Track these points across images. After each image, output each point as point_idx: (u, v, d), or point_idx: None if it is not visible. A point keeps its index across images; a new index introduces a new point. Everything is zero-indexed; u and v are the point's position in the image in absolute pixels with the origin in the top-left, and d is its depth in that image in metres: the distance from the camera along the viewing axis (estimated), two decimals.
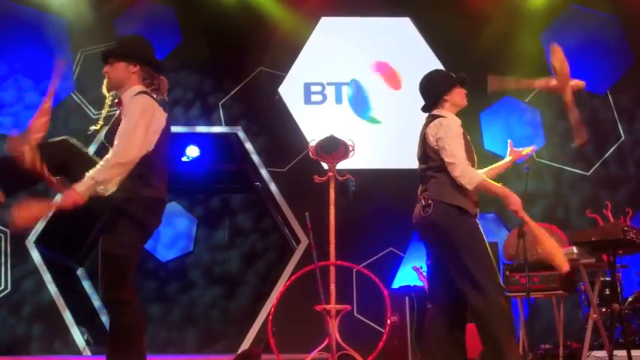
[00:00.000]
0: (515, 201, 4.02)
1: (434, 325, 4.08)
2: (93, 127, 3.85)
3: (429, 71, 4.42)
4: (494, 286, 3.92)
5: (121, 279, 3.56)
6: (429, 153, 4.12)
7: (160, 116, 3.67)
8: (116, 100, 3.83)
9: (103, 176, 3.42)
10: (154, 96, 3.78)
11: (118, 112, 3.80)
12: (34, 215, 3.49)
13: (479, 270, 3.91)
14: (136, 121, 3.54)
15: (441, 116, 4.17)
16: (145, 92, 3.73)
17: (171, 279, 9.52)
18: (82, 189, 3.42)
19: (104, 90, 3.84)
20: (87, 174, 3.46)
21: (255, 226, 9.70)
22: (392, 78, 8.83)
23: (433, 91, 4.29)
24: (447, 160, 4.00)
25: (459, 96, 4.28)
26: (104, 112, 3.94)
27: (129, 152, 3.47)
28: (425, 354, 4.24)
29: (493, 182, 4.10)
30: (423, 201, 4.08)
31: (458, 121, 4.18)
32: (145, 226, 3.60)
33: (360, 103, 8.79)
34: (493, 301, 3.87)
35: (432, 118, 4.21)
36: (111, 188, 3.45)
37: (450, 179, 4.02)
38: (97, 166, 3.47)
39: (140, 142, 3.51)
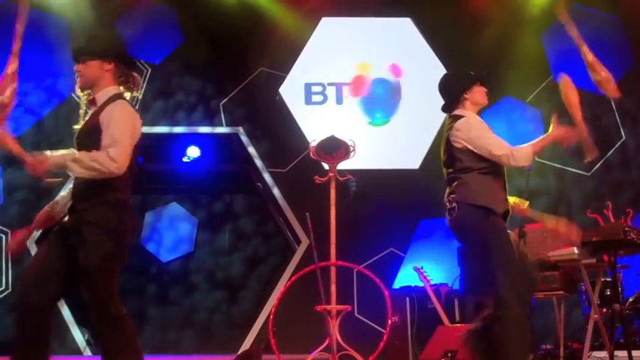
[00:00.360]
0: (559, 134, 4.32)
1: (475, 317, 4.13)
2: (76, 126, 3.80)
3: (448, 71, 4.44)
4: (515, 293, 3.90)
5: (108, 294, 3.47)
6: (455, 154, 4.11)
7: (139, 124, 3.62)
8: (90, 99, 3.72)
9: (79, 171, 3.36)
10: (127, 97, 3.71)
11: (91, 112, 3.70)
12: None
13: (502, 275, 3.90)
14: (120, 134, 3.46)
15: (463, 116, 4.16)
16: (122, 96, 3.65)
17: (172, 280, 9.52)
18: (53, 162, 3.37)
19: (77, 90, 3.75)
20: (71, 153, 3.42)
21: (256, 226, 9.68)
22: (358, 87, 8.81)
23: (452, 90, 4.28)
24: (496, 153, 4.03)
25: (479, 94, 4.27)
26: (82, 112, 3.89)
27: (115, 165, 3.39)
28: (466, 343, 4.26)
29: (536, 140, 4.23)
30: (448, 204, 4.09)
31: (480, 119, 4.19)
32: (116, 233, 3.48)
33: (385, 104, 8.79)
34: (511, 307, 3.86)
35: (453, 119, 4.19)
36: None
37: (473, 179, 4.03)
38: (82, 157, 3.38)
39: (126, 156, 3.45)
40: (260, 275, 9.48)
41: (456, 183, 4.08)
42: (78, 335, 7.93)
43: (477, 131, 4.06)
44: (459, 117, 4.17)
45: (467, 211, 4.00)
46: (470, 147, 4.06)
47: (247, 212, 9.74)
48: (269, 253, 9.52)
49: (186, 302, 9.47)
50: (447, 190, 4.16)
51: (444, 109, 4.35)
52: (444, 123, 4.36)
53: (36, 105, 8.70)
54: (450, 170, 4.16)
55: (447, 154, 4.19)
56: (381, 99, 8.82)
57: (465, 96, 4.24)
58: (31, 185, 8.41)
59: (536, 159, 8.56)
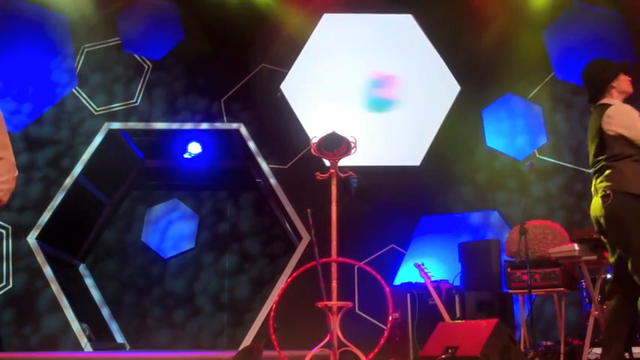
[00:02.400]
0: None
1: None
2: None
3: (591, 60, 4.46)
4: None
5: None
6: (607, 142, 4.15)
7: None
8: None
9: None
10: None
11: None
12: None
13: None
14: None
15: (611, 104, 4.20)
16: None
17: (174, 275, 9.53)
18: None
19: None
20: None
21: (256, 224, 9.69)
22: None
23: (599, 79, 4.32)
24: None
25: (625, 83, 4.34)
26: None
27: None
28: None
29: None
30: (601, 192, 4.12)
31: (630, 107, 4.23)
32: None
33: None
34: None
35: (601, 108, 4.24)
36: None
37: (627, 166, 4.06)
38: None
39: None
40: (259, 268, 9.50)
41: (608, 172, 4.13)
42: (80, 332, 7.94)
43: (630, 119, 4.11)
44: (608, 105, 4.21)
45: (621, 198, 4.04)
46: (624, 134, 4.10)
47: (247, 206, 9.75)
48: (268, 245, 9.54)
49: (185, 295, 9.49)
50: (598, 179, 4.19)
51: (591, 99, 4.39)
52: (593, 115, 4.35)
53: (38, 101, 8.72)
54: (601, 158, 4.19)
55: (596, 142, 4.23)
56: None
57: (612, 84, 4.29)
58: (31, 182, 8.45)
59: (538, 155, 8.57)
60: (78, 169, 8.45)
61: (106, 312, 9.21)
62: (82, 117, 8.69)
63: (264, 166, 8.56)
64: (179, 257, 9.61)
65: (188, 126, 8.84)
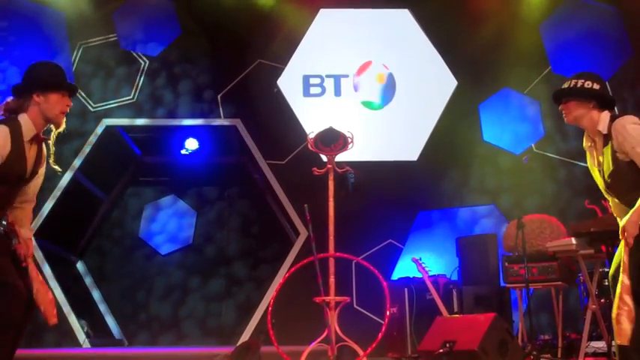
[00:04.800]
0: None
1: None
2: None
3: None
4: None
5: None
6: None
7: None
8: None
9: None
10: None
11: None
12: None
13: None
14: None
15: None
16: None
17: (172, 271, 9.53)
18: None
19: None
20: None
21: (253, 220, 9.69)
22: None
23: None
24: None
25: None
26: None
27: None
28: None
29: None
30: None
31: None
32: None
33: None
34: None
35: None
36: None
37: None
38: None
39: None
40: (257, 265, 9.50)
41: None
42: (78, 329, 7.94)
43: None
44: None
45: None
46: None
47: (244, 202, 9.75)
48: (265, 242, 9.54)
49: (183, 291, 9.49)
50: None
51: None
52: None
53: None
54: None
55: None
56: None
57: None
58: None
59: (535, 150, 8.58)
60: (75, 165, 8.44)
61: (103, 308, 9.21)
62: (78, 113, 8.66)
63: (261, 161, 8.56)
64: (177, 253, 9.62)
65: (185, 122, 8.83)
